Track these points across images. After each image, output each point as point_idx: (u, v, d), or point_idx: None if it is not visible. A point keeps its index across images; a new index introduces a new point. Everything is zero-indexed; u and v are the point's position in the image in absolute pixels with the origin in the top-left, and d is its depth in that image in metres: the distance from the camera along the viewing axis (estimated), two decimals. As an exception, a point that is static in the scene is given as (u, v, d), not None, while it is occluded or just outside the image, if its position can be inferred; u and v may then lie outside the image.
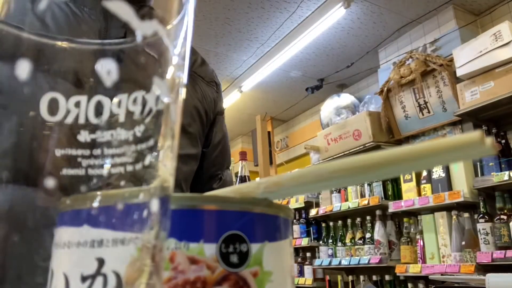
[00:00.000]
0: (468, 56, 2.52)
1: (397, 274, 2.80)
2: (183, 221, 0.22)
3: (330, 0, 2.92)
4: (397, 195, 3.05)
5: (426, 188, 2.72)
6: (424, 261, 2.66)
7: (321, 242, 3.60)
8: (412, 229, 2.85)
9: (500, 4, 2.91)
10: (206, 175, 0.91)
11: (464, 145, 0.18)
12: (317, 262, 3.48)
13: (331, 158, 3.41)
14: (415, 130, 3.05)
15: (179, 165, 0.80)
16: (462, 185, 2.52)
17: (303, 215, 3.87)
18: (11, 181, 0.17)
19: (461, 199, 2.44)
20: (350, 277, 3.25)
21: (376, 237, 2.99)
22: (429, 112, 2.93)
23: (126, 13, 0.17)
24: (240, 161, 1.36)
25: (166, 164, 0.19)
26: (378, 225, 3.00)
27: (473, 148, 0.18)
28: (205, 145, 0.90)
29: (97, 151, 0.18)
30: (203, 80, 0.91)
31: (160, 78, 0.19)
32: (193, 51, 0.94)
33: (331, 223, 3.55)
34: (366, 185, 3.25)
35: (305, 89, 4.13)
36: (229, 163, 1.00)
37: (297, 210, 3.89)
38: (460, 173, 2.57)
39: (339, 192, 3.48)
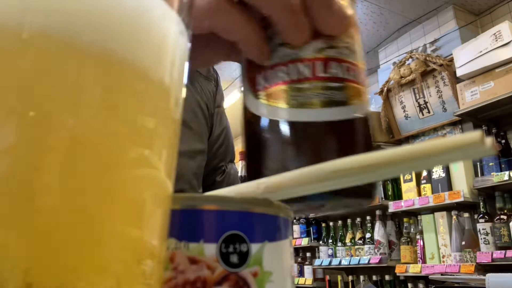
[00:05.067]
0: (468, 56, 2.52)
1: (397, 274, 2.81)
2: (183, 221, 0.22)
3: (330, 0, 2.92)
4: (397, 195, 3.05)
5: (426, 188, 2.72)
6: (424, 261, 2.66)
7: (321, 242, 3.60)
8: (412, 229, 2.85)
9: (500, 4, 2.91)
10: (209, 168, 0.91)
11: (464, 145, 0.18)
12: (317, 262, 3.48)
13: (331, 158, 3.41)
14: (415, 130, 3.05)
15: (186, 161, 0.80)
16: (462, 185, 2.52)
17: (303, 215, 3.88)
18: None
19: (461, 199, 2.44)
20: (350, 277, 3.25)
21: (376, 237, 2.99)
22: (429, 112, 2.93)
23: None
24: (240, 161, 1.35)
25: (165, 163, 0.19)
26: (378, 225, 3.00)
27: (473, 148, 0.18)
28: None
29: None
30: (200, 75, 0.91)
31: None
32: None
33: (331, 223, 3.55)
34: (366, 185, 3.25)
35: (305, 89, 4.13)
36: (233, 156, 1.00)
37: (297, 210, 3.89)
38: (460, 173, 2.57)
39: (339, 192, 3.48)
